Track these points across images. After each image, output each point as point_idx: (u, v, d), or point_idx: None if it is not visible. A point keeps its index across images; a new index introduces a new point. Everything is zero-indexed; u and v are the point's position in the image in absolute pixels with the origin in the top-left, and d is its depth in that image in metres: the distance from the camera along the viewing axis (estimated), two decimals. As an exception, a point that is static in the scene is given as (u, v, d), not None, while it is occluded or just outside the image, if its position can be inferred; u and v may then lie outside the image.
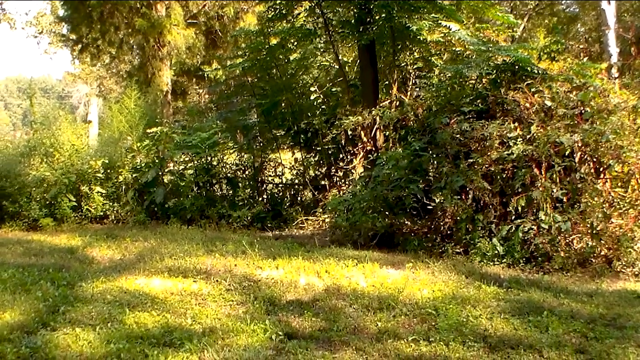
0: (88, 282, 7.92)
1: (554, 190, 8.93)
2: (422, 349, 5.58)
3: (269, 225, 12.81)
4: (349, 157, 13.21)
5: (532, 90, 9.68)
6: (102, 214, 13.87)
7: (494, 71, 10.44)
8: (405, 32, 12.32)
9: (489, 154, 9.35)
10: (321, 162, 14.27)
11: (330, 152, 13.87)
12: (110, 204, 13.92)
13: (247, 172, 14.75)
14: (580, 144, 9.00)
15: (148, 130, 14.58)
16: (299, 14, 14.13)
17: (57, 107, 22.00)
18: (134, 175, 14.05)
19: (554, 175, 9.04)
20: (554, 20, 26.63)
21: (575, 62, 10.37)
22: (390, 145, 12.14)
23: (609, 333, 5.96)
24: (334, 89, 14.87)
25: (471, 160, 9.49)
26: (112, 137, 15.98)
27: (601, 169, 9.18)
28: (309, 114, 14.07)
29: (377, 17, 12.45)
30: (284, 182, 14.77)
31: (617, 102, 9.35)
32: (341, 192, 12.65)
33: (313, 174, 14.43)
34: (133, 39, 25.14)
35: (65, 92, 77.01)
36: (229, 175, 14.48)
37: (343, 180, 13.49)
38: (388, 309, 6.77)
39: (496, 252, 8.95)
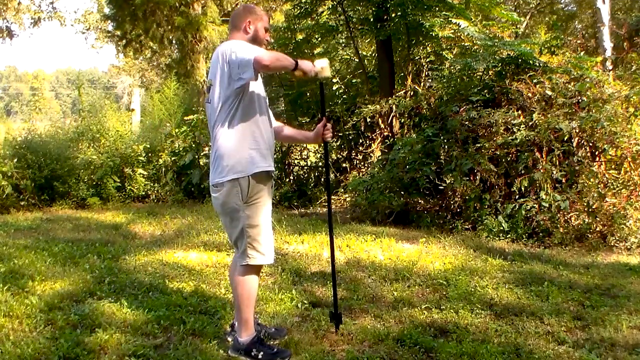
0: (131, 256, 8.00)
1: (554, 172, 8.90)
2: (434, 316, 5.58)
3: (295, 203, 12.81)
4: (367, 142, 13.16)
5: (534, 81, 9.64)
6: (143, 193, 13.91)
7: (500, 64, 10.36)
8: (419, 28, 12.25)
9: (494, 139, 9.33)
10: (343, 146, 14.21)
11: (350, 137, 13.81)
12: (151, 184, 13.96)
13: (275, 156, 14.67)
14: (577, 130, 8.96)
15: (186, 118, 14.61)
16: (322, 11, 14.10)
17: (103, 97, 22.02)
18: (172, 159, 14.07)
19: (554, 159, 9.02)
20: (553, 18, 26.29)
21: (573, 56, 10.28)
22: (405, 131, 12.11)
23: (604, 301, 5.94)
24: (354, 80, 14.78)
25: (479, 145, 9.47)
26: (153, 124, 15.99)
27: (596, 153, 9.12)
28: (332, 103, 14.03)
29: (393, 15, 12.38)
30: (309, 164, 14.75)
31: (611, 92, 9.31)
32: (361, 174, 12.62)
33: (335, 158, 14.37)
34: (173, 35, 24.96)
35: (111, 83, 77.20)
36: (259, 158, 14.42)
37: (362, 163, 13.44)
38: (403, 280, 6.78)
39: (501, 228, 8.94)
